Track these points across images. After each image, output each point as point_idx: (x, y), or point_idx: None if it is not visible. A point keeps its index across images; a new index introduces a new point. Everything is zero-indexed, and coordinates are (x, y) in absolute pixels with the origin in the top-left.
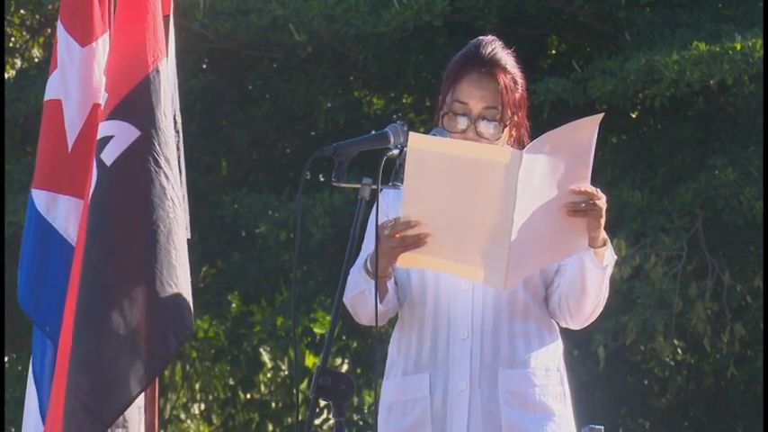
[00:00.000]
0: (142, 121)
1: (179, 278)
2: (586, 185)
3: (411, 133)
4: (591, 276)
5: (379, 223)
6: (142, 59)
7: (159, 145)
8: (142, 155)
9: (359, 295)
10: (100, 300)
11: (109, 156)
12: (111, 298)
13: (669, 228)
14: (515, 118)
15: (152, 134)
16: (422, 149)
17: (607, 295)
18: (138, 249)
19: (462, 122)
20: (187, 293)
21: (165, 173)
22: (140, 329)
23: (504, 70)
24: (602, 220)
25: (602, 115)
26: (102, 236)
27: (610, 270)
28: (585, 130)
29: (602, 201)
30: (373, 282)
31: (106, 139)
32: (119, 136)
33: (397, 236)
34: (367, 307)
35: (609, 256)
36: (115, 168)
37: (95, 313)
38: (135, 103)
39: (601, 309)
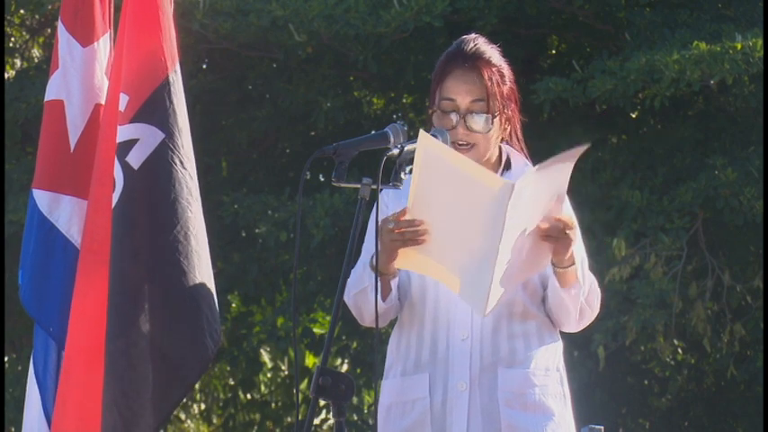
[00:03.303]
0: (165, 123)
1: (208, 280)
2: (562, 215)
3: (422, 131)
4: (563, 296)
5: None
6: (161, 61)
7: (183, 146)
8: (169, 157)
9: (362, 292)
10: (128, 303)
11: (136, 159)
12: (141, 301)
13: (669, 228)
14: (506, 111)
15: (176, 136)
16: (432, 152)
17: (596, 302)
18: (170, 251)
19: (452, 118)
20: (214, 296)
21: (189, 174)
22: (174, 333)
23: (489, 63)
24: (571, 248)
25: (586, 146)
26: (132, 238)
27: (586, 283)
28: (567, 161)
29: (572, 231)
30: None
31: (131, 143)
32: (144, 139)
33: (397, 231)
34: (369, 304)
35: (579, 271)
36: (143, 171)
37: (127, 317)
38: (157, 106)
39: (591, 315)
